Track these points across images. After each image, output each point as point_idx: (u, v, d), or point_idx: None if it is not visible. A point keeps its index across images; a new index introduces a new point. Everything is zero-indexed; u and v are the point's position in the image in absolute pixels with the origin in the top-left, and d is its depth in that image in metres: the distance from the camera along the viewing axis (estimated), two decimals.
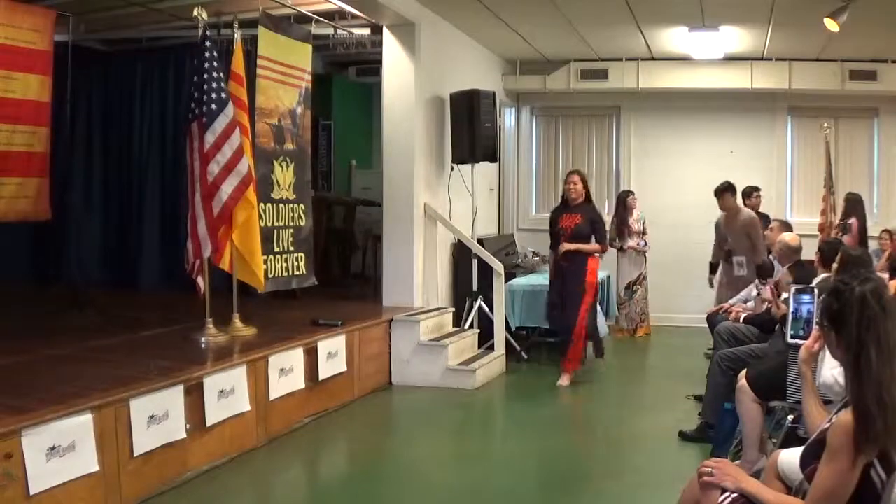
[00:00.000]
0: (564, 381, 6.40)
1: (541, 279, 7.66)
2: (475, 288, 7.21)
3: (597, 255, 6.45)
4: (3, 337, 5.23)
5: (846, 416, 2.01)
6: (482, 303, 7.18)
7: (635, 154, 9.87)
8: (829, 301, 2.16)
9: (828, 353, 3.12)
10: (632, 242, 8.65)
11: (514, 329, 7.38)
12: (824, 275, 4.44)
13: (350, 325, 5.92)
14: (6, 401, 3.55)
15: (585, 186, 6.40)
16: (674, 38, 8.18)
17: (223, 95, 5.11)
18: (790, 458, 2.48)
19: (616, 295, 8.69)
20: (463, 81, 7.58)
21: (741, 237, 7.02)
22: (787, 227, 6.38)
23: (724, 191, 7.13)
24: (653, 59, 9.20)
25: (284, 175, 5.93)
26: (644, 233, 8.74)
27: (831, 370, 3.06)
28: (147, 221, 8.39)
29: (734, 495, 2.21)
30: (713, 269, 7.62)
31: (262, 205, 5.54)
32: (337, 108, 9.53)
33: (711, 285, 7.69)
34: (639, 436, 5.18)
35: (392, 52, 6.98)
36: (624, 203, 8.73)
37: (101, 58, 8.58)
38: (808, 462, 2.14)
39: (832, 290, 2.16)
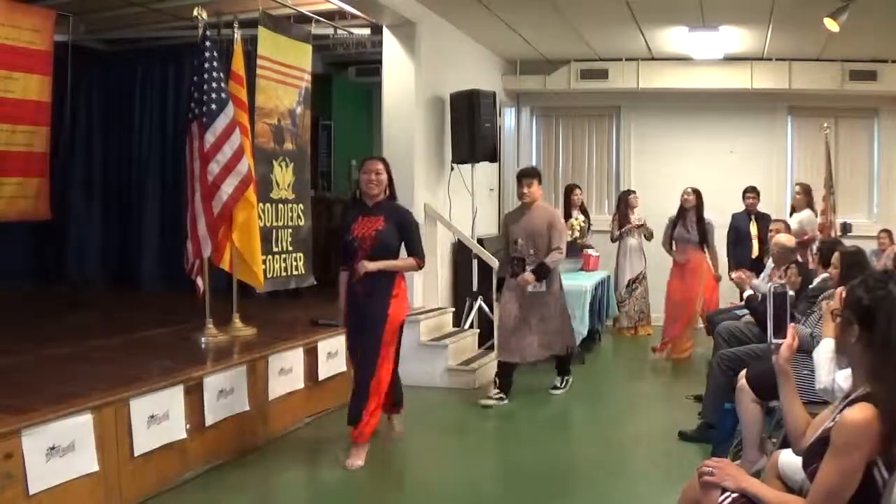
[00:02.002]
0: (354, 460, 4.39)
1: None
2: (475, 288, 7.21)
3: (407, 273, 4.71)
4: (4, 337, 5.23)
5: (853, 413, 1.99)
6: (482, 303, 7.18)
7: (635, 154, 9.87)
8: (858, 296, 2.10)
9: (822, 357, 3.14)
10: (633, 240, 8.61)
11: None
12: (823, 275, 4.44)
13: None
14: (6, 401, 3.56)
15: (391, 178, 4.54)
16: (674, 38, 8.18)
17: (223, 95, 5.11)
18: (790, 458, 2.48)
19: (616, 293, 8.69)
20: (463, 81, 7.58)
21: None
22: (786, 227, 6.39)
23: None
24: (653, 59, 9.20)
25: (283, 175, 5.94)
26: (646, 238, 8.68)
27: (830, 374, 3.06)
28: (147, 221, 8.39)
29: (734, 495, 2.21)
30: None
31: (261, 205, 5.54)
32: (337, 108, 9.53)
33: None
34: (639, 436, 5.18)
35: (392, 52, 6.98)
36: (626, 201, 8.73)
37: (101, 58, 8.58)
38: (810, 461, 2.13)
39: (863, 287, 2.11)
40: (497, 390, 5.90)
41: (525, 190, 5.87)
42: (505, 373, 5.94)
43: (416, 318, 6.50)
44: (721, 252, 7.84)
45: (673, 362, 7.43)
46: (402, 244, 4.55)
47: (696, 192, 7.56)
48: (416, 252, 4.56)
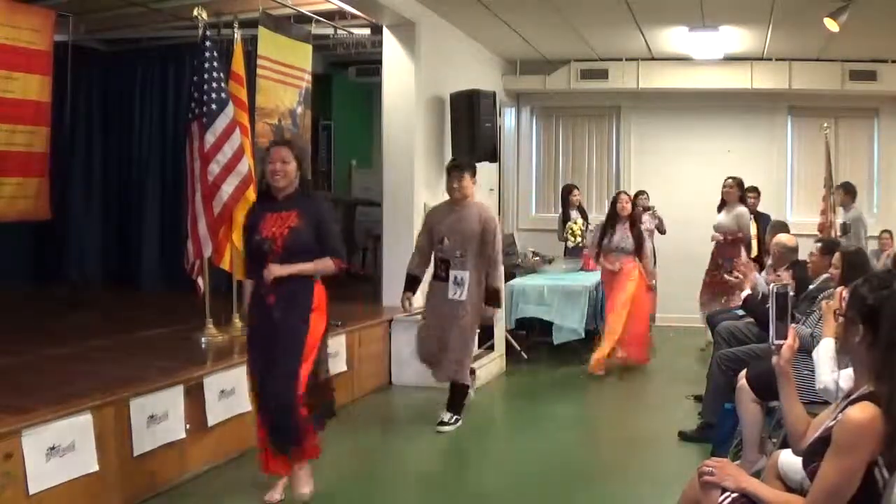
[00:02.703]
0: (302, 488, 3.86)
1: (540, 279, 7.67)
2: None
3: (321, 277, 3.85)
4: (4, 337, 5.23)
5: (855, 413, 1.99)
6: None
7: (635, 154, 9.87)
8: (862, 295, 2.09)
9: (822, 357, 3.14)
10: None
11: (515, 320, 7.35)
12: (824, 275, 4.44)
13: (350, 325, 5.91)
14: (6, 401, 3.56)
15: (301, 167, 3.85)
16: (674, 38, 8.18)
17: (223, 95, 5.11)
18: (790, 458, 2.48)
19: None
20: (463, 81, 7.58)
21: None
22: (783, 227, 6.39)
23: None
24: (653, 59, 9.20)
25: None
26: (660, 231, 8.65)
27: (831, 374, 3.06)
28: (147, 221, 8.40)
29: (734, 495, 2.21)
30: None
31: None
32: (337, 108, 9.53)
33: None
34: (639, 436, 5.18)
35: (392, 52, 6.98)
36: (635, 203, 8.72)
37: (101, 58, 8.58)
38: (811, 460, 2.13)
39: (867, 286, 2.11)
40: (451, 413, 5.23)
41: (456, 184, 5.16)
42: (458, 393, 5.31)
43: (416, 318, 6.50)
44: None
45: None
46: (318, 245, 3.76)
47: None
48: (334, 250, 3.80)
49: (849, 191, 7.88)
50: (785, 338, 2.35)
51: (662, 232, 8.52)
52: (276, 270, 3.65)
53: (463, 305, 5.12)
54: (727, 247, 7.39)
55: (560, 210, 8.91)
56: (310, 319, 3.74)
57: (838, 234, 7.95)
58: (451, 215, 5.18)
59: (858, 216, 7.77)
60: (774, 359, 2.36)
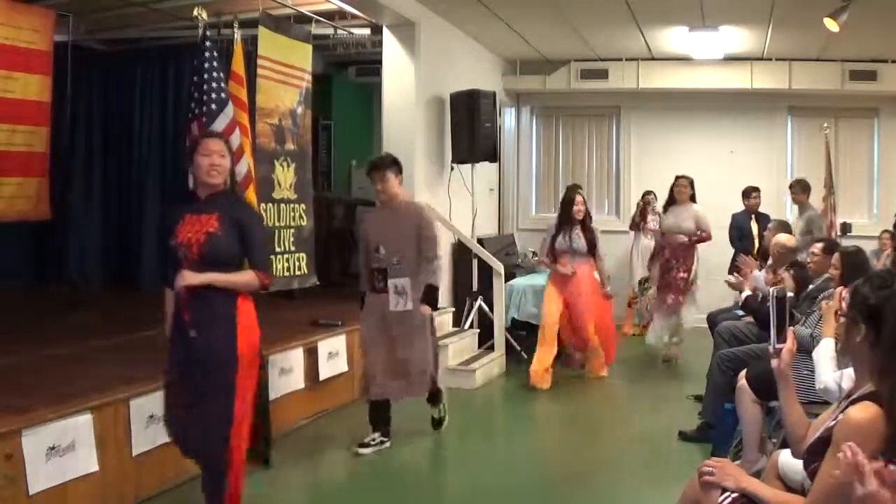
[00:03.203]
0: None
1: (541, 279, 7.66)
2: (475, 288, 7.20)
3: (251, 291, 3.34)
4: (4, 337, 5.23)
5: (856, 412, 1.99)
6: (482, 303, 7.18)
7: (635, 154, 9.87)
8: (865, 294, 2.10)
9: (822, 357, 3.14)
10: (647, 240, 8.61)
11: (515, 318, 7.34)
12: (824, 276, 4.44)
13: (350, 325, 5.91)
14: (6, 401, 3.56)
15: (234, 160, 3.51)
16: (674, 38, 8.19)
17: (223, 95, 5.10)
18: (790, 458, 2.48)
19: (629, 290, 8.70)
20: (463, 81, 7.59)
21: None
22: (785, 227, 6.38)
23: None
24: (653, 59, 9.20)
25: (285, 175, 5.93)
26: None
27: (831, 374, 3.07)
28: (147, 221, 8.38)
29: (734, 495, 2.21)
30: None
31: (263, 205, 5.54)
32: (337, 108, 9.53)
33: None
34: (639, 436, 5.18)
35: (392, 52, 6.98)
36: (646, 202, 8.72)
37: (101, 58, 8.58)
38: (811, 460, 2.13)
39: (869, 286, 2.11)
40: (376, 434, 4.76)
41: (379, 185, 4.66)
42: (380, 412, 4.81)
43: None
44: (720, 252, 7.82)
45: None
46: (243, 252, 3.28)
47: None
48: (259, 262, 3.31)
49: (805, 188, 7.51)
50: (784, 341, 2.36)
51: None
52: (189, 278, 3.14)
53: (410, 314, 4.66)
54: (683, 248, 7.10)
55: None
56: (236, 346, 3.16)
57: (838, 234, 7.96)
58: (382, 220, 4.72)
59: (815, 217, 7.36)
60: (774, 362, 2.36)
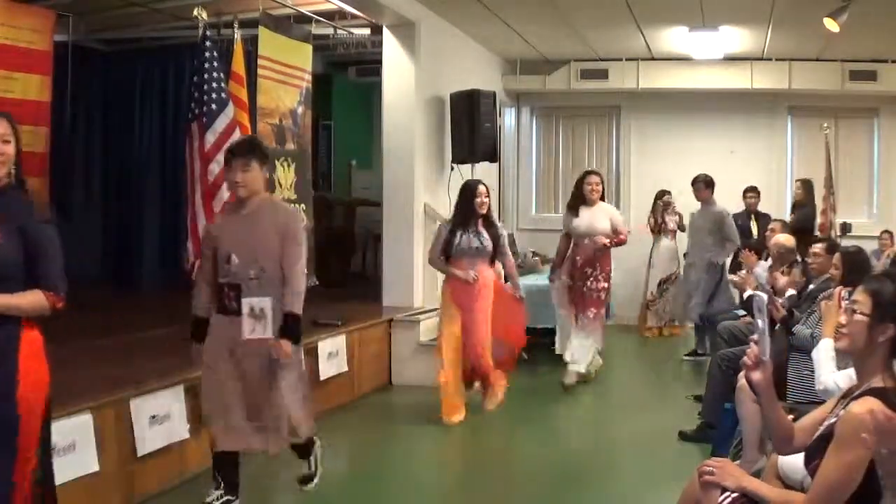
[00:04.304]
0: None
1: (541, 279, 7.66)
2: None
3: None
4: None
5: (859, 408, 2.00)
6: None
7: (635, 154, 9.87)
8: (890, 294, 2.11)
9: (822, 357, 3.13)
10: (666, 241, 8.57)
11: None
12: (824, 275, 4.44)
13: (350, 325, 5.92)
14: None
15: (19, 150, 2.71)
16: (674, 38, 8.19)
17: (223, 95, 5.11)
18: (790, 457, 2.48)
19: (647, 292, 8.68)
20: (463, 81, 7.58)
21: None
22: (784, 227, 6.38)
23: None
24: (653, 59, 9.20)
25: (286, 175, 5.94)
26: (681, 229, 8.57)
27: (831, 374, 3.06)
28: (147, 221, 8.39)
29: (734, 495, 2.21)
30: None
31: None
32: (337, 108, 9.54)
33: None
34: (639, 436, 5.18)
35: (392, 52, 6.98)
36: (663, 202, 8.69)
37: (101, 58, 8.57)
38: (812, 457, 2.14)
39: (892, 284, 2.11)
40: (219, 492, 3.62)
41: (239, 177, 3.51)
42: (227, 464, 3.64)
43: (416, 318, 6.51)
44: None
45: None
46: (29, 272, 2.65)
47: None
48: (49, 280, 2.69)
49: (709, 184, 7.15)
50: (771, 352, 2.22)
51: (682, 229, 8.48)
52: None
53: (269, 344, 3.54)
54: (598, 253, 6.25)
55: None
56: (18, 379, 2.45)
57: (838, 234, 7.96)
58: (237, 222, 3.59)
59: (722, 215, 7.06)
60: (757, 375, 2.19)
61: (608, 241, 6.23)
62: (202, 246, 3.71)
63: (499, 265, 5.66)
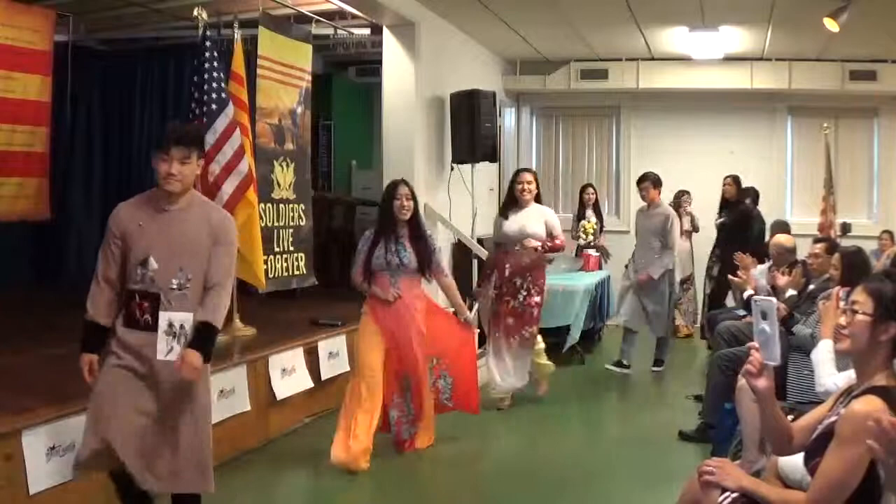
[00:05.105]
0: None
1: None
2: (475, 288, 7.19)
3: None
4: (3, 337, 5.23)
5: (860, 406, 2.00)
6: None
7: (635, 154, 9.86)
8: (893, 292, 2.11)
9: (822, 358, 3.13)
10: (682, 242, 8.48)
11: None
12: (824, 276, 4.44)
13: (350, 325, 5.91)
14: (6, 401, 3.56)
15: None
16: (674, 38, 8.19)
17: (223, 96, 5.11)
18: (790, 457, 2.48)
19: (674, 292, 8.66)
20: (463, 81, 7.58)
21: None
22: (784, 227, 6.39)
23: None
24: (653, 59, 9.20)
25: (284, 175, 5.94)
26: (695, 230, 8.54)
27: (831, 376, 3.06)
28: None
29: (734, 495, 2.21)
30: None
31: (262, 205, 5.55)
32: (337, 108, 9.53)
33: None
34: (639, 436, 5.18)
35: (392, 52, 6.98)
36: (678, 203, 8.67)
37: (101, 58, 8.58)
38: (813, 456, 2.14)
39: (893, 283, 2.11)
40: None
41: (177, 168, 3.02)
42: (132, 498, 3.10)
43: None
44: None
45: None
46: None
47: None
48: None
49: (657, 183, 6.72)
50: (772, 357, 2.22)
51: (696, 230, 8.44)
52: None
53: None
54: (530, 262, 5.53)
55: (576, 209, 8.81)
56: None
57: (838, 234, 7.96)
58: (161, 220, 3.07)
59: (668, 218, 6.62)
60: (762, 381, 2.21)
61: (539, 245, 5.49)
62: (106, 233, 3.08)
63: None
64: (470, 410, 4.92)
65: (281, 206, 5.88)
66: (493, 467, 4.73)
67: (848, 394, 2.22)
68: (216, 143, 5.03)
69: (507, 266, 5.54)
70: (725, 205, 7.72)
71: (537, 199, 5.65)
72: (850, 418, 2.00)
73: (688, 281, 8.59)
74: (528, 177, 5.62)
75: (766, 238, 7.48)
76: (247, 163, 5.17)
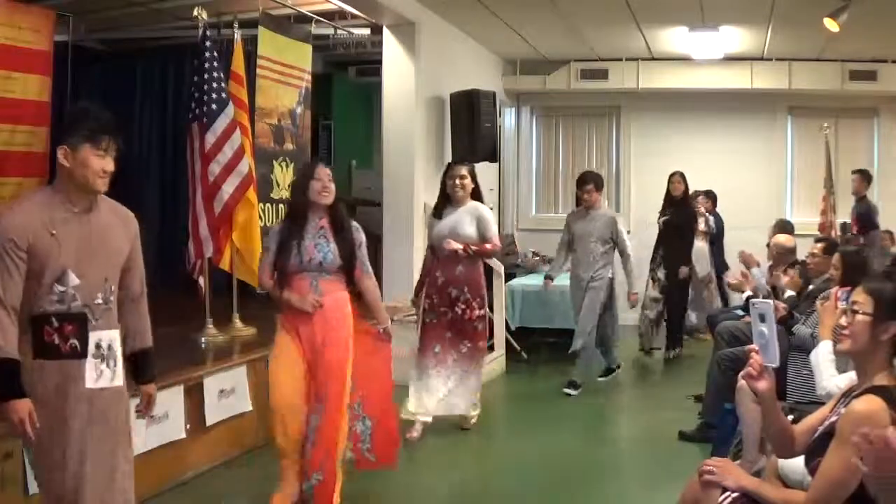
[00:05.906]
0: None
1: (541, 280, 7.66)
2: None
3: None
4: None
5: (861, 405, 2.00)
6: None
7: (635, 154, 9.86)
8: (893, 291, 2.11)
9: (822, 359, 3.13)
10: (699, 242, 8.38)
11: (513, 329, 7.36)
12: (824, 276, 4.44)
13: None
14: None
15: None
16: (674, 38, 8.18)
17: (223, 96, 5.12)
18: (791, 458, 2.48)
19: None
20: (463, 81, 7.58)
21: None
22: (784, 227, 6.39)
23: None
24: (653, 59, 9.20)
25: (284, 175, 5.94)
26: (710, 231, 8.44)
27: (832, 378, 3.06)
28: (147, 221, 8.36)
29: (735, 495, 2.21)
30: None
31: (261, 205, 5.56)
32: (337, 108, 9.53)
33: None
34: (639, 436, 5.18)
35: (392, 52, 6.98)
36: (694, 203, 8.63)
37: (101, 58, 8.57)
38: (813, 456, 2.14)
39: (893, 282, 2.11)
40: None
41: (111, 165, 2.76)
42: None
43: (416, 318, 6.49)
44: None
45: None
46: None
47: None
48: None
49: (599, 186, 6.58)
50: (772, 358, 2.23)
51: (712, 231, 8.35)
52: None
53: (122, 397, 2.67)
54: (463, 265, 4.92)
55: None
56: None
57: (838, 233, 7.96)
58: (79, 225, 2.62)
59: (614, 221, 6.43)
60: (763, 384, 2.23)
61: (461, 248, 4.80)
62: (3, 248, 2.44)
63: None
64: (387, 463, 3.92)
65: (280, 206, 5.88)
66: (492, 466, 4.73)
67: (849, 394, 2.22)
68: (216, 143, 5.03)
69: (438, 274, 4.93)
70: (672, 202, 7.54)
71: (476, 197, 5.02)
72: (851, 418, 2.00)
73: (705, 281, 8.54)
74: (461, 170, 4.98)
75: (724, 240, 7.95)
76: (247, 163, 5.17)
